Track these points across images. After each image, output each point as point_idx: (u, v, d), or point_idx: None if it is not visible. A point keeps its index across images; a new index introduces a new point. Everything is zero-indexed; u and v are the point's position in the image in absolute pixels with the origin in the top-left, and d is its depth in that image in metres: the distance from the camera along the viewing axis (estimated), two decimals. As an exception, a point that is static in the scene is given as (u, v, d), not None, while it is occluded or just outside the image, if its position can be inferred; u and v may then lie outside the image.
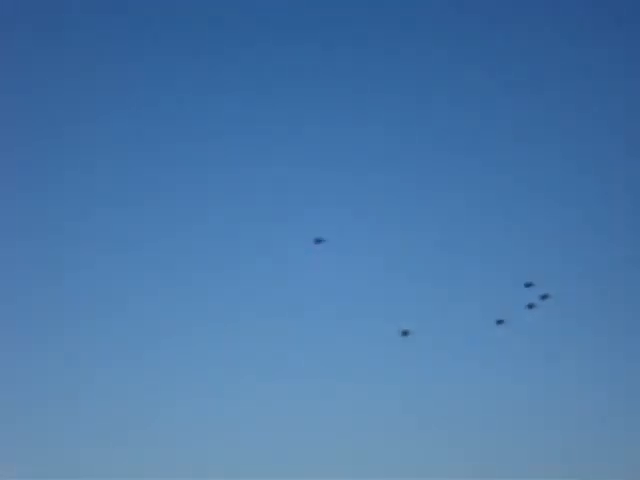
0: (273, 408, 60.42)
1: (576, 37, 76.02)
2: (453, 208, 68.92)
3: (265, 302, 66.47)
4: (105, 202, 70.24)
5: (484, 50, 75.72)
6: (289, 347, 63.56)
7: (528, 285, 49.34)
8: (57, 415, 59.98)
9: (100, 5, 74.76)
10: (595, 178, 71.03)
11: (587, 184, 70.91)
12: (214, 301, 67.12)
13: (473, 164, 72.81)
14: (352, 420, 58.78)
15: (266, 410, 60.20)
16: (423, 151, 72.71)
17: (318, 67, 76.68)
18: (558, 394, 59.12)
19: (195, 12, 76.61)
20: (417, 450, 56.40)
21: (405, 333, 49.79)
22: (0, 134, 71.41)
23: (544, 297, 48.75)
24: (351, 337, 62.89)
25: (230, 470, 57.97)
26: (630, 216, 67.97)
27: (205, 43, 77.57)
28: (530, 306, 48.86)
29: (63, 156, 72.79)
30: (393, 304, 61.61)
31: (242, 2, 77.80)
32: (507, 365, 58.94)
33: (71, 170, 71.94)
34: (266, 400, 61.02)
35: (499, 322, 49.42)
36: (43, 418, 59.52)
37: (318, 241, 52.85)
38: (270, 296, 66.23)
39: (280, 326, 64.05)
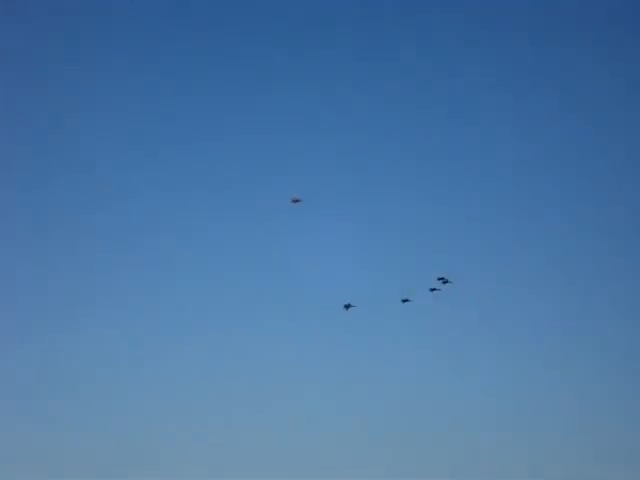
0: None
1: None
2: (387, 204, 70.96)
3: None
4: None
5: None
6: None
7: (445, 282, 53.84)
8: (58, 415, 60.09)
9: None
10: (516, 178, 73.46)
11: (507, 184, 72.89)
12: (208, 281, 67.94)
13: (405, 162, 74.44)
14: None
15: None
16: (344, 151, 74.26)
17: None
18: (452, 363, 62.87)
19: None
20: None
21: (347, 306, 53.86)
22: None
23: (445, 282, 53.75)
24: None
25: (230, 470, 58.17)
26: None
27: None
28: (432, 289, 53.90)
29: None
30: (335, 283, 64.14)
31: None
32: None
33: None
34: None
35: (404, 301, 54.49)
36: (43, 418, 59.67)
37: (295, 201, 54.33)
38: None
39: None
